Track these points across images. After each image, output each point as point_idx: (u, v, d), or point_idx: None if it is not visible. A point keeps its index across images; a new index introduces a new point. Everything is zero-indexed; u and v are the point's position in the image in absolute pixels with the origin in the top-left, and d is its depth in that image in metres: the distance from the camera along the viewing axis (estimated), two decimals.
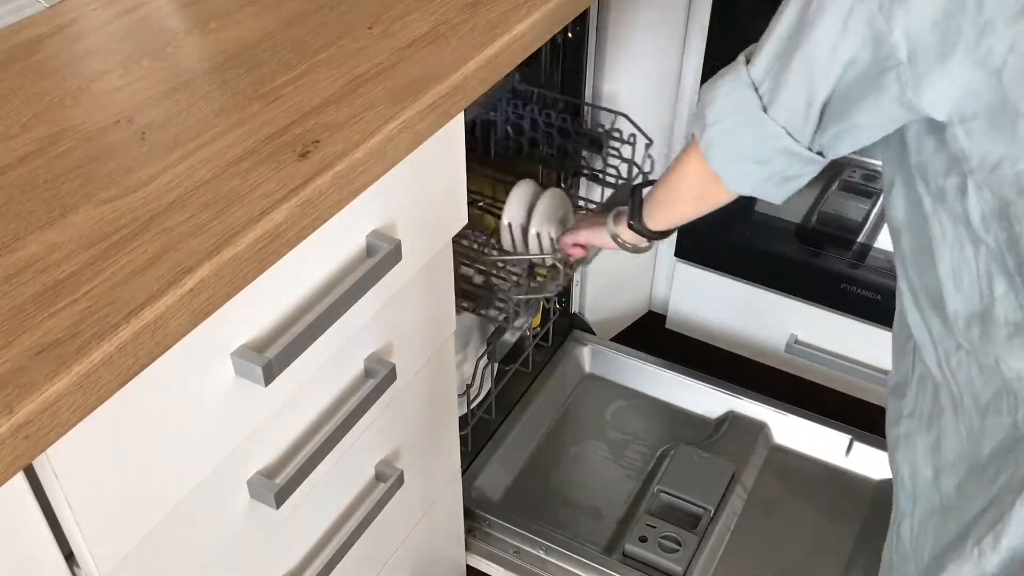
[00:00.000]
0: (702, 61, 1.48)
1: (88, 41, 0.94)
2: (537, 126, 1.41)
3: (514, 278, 1.29)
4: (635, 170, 1.38)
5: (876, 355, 1.64)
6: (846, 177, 1.40)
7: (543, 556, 1.37)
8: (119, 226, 0.71)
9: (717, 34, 1.45)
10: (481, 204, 1.48)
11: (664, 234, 1.08)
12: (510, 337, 1.53)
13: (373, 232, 0.88)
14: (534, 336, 1.61)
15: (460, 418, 1.25)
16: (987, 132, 0.69)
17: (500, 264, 1.30)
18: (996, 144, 0.69)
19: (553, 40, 1.26)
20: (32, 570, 0.67)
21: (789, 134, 0.80)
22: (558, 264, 1.27)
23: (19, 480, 0.63)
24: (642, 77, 1.50)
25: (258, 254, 0.72)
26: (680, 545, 1.37)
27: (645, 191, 1.07)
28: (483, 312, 1.31)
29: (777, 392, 1.62)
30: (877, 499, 1.49)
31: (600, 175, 1.44)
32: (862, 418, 1.64)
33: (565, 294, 1.67)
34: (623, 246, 1.13)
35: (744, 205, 1.59)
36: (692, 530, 1.40)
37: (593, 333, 1.72)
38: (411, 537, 1.21)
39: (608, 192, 1.43)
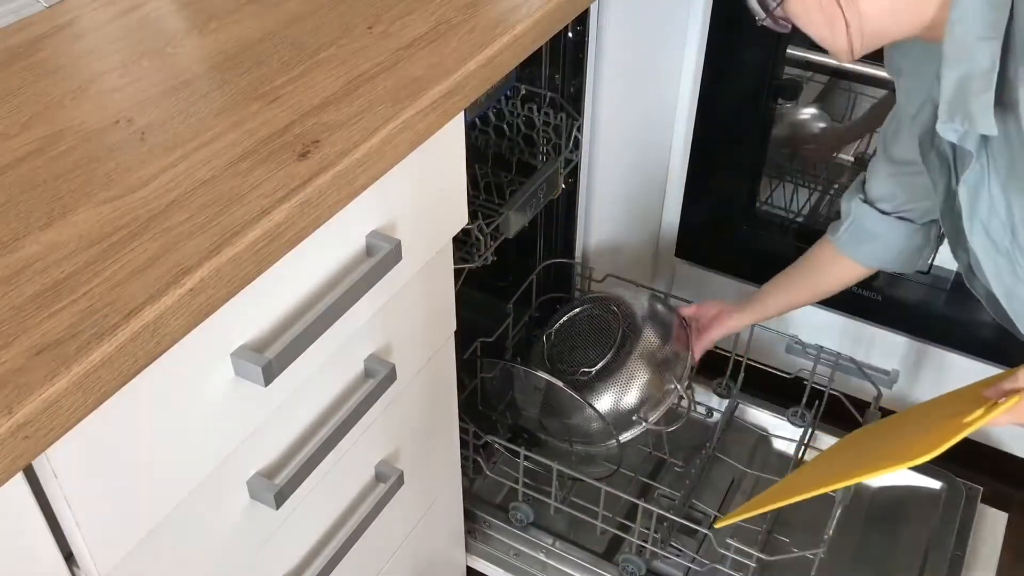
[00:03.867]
0: (702, 61, 1.48)
1: (88, 41, 0.94)
2: (503, 117, 1.42)
3: None
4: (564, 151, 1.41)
5: (876, 355, 1.63)
6: (846, 180, 1.40)
7: (543, 559, 1.37)
8: (119, 226, 0.71)
9: (717, 33, 1.45)
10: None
11: None
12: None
13: (373, 232, 0.88)
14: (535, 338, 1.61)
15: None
16: None
17: None
18: None
19: (553, 39, 1.27)
20: (32, 570, 0.67)
21: None
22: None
23: (19, 480, 0.62)
24: (642, 76, 1.49)
25: (258, 254, 0.72)
26: (680, 550, 1.37)
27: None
28: None
29: (777, 393, 1.62)
30: (875, 506, 1.49)
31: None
32: (862, 419, 1.64)
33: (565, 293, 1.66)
34: None
35: (744, 204, 1.59)
36: (692, 536, 1.39)
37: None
38: (411, 538, 1.21)
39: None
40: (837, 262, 1.25)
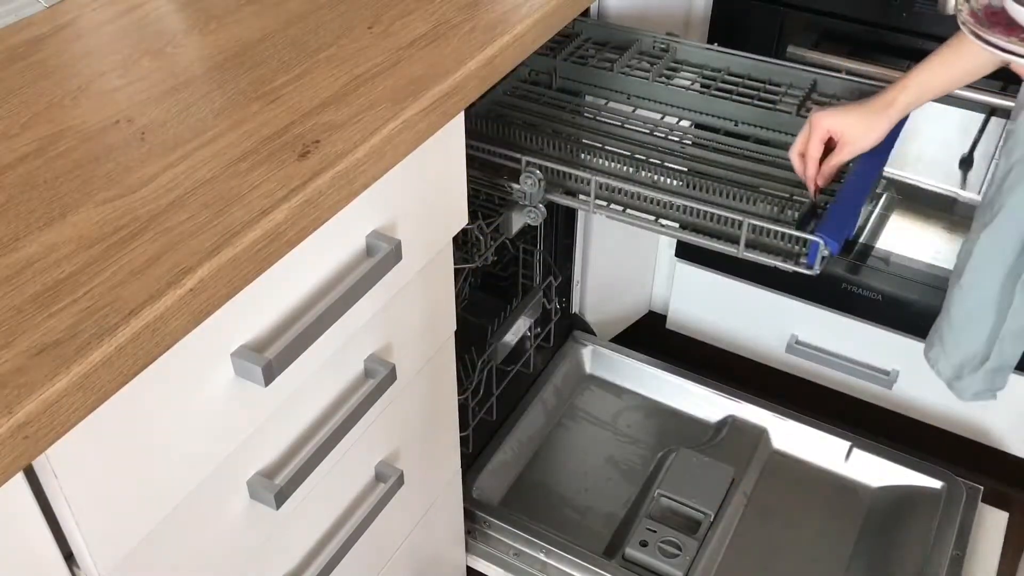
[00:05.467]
0: None
1: (88, 41, 0.94)
2: None
3: None
4: None
5: (877, 355, 1.64)
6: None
7: (543, 558, 1.37)
8: (119, 226, 0.71)
9: (718, 33, 1.45)
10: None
11: None
12: (511, 338, 1.53)
13: (373, 232, 0.88)
14: (535, 337, 1.61)
15: (461, 419, 1.25)
16: None
17: None
18: None
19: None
20: (32, 570, 0.67)
21: None
22: None
23: (19, 480, 0.62)
24: None
25: (258, 254, 0.72)
26: (680, 550, 1.37)
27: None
28: None
29: (777, 392, 1.62)
30: (876, 505, 1.49)
31: None
32: (862, 419, 1.64)
33: (566, 294, 1.67)
34: None
35: None
36: (692, 535, 1.39)
37: (594, 334, 1.72)
38: (411, 538, 1.21)
39: None
40: None
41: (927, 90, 1.05)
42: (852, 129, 1.06)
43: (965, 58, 1.02)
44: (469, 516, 1.40)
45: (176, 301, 0.65)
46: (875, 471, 1.51)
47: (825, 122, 1.07)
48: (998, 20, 0.90)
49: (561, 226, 1.56)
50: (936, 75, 1.04)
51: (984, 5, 0.91)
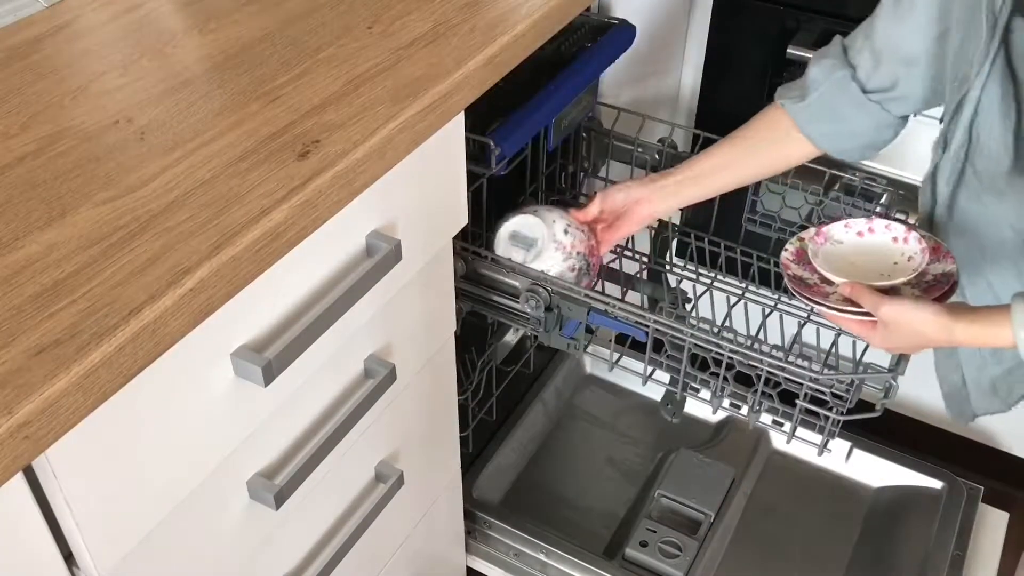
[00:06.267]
0: (703, 62, 1.48)
1: (87, 41, 0.94)
2: None
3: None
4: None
5: (876, 355, 1.63)
6: (847, 181, 1.40)
7: (543, 559, 1.37)
8: (119, 226, 0.71)
9: (718, 34, 1.45)
10: None
11: None
12: (511, 338, 1.54)
13: (373, 232, 0.88)
14: (535, 337, 1.61)
15: (461, 419, 1.25)
16: None
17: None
18: None
19: None
20: (32, 570, 0.66)
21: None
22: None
23: (19, 480, 0.62)
24: (643, 75, 1.49)
25: (258, 254, 0.72)
26: (680, 550, 1.37)
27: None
28: None
29: (778, 393, 1.62)
30: (876, 505, 1.49)
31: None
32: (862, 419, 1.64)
33: None
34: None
35: (740, 201, 1.60)
36: (692, 535, 1.39)
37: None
38: (411, 538, 1.20)
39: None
40: (789, 138, 1.04)
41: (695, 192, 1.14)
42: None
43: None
44: (469, 516, 1.40)
45: (176, 301, 0.65)
46: (875, 471, 1.51)
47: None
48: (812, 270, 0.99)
49: None
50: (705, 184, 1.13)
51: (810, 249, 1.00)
